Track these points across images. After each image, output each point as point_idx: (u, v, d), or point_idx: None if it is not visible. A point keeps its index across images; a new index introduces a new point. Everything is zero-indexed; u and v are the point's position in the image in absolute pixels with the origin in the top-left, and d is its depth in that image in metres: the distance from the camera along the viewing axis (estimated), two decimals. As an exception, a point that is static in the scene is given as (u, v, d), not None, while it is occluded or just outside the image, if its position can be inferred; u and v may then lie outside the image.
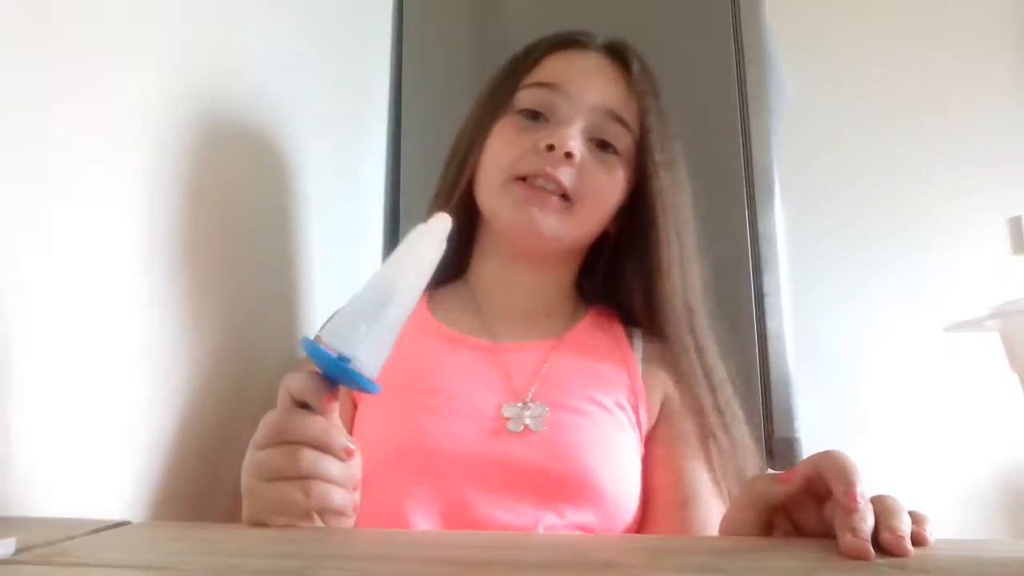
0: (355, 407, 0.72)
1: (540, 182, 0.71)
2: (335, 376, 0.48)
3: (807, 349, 1.22)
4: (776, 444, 0.97)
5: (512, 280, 0.78)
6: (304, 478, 0.46)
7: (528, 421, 0.66)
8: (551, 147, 0.70)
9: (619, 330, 0.79)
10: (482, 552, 0.38)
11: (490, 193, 0.74)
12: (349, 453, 0.48)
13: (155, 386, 0.61)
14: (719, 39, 1.19)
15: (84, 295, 0.53)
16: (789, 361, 1.13)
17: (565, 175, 0.71)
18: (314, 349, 0.47)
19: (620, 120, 0.74)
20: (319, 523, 0.48)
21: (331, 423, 0.48)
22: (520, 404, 0.68)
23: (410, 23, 1.31)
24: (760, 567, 0.35)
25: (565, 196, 0.71)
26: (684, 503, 0.66)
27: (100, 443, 0.54)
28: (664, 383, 0.74)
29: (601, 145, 0.74)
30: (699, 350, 0.73)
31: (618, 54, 0.78)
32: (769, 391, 1.01)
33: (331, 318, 0.59)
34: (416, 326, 0.75)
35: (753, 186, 1.15)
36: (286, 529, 0.45)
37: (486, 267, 0.80)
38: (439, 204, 0.78)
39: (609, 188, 0.74)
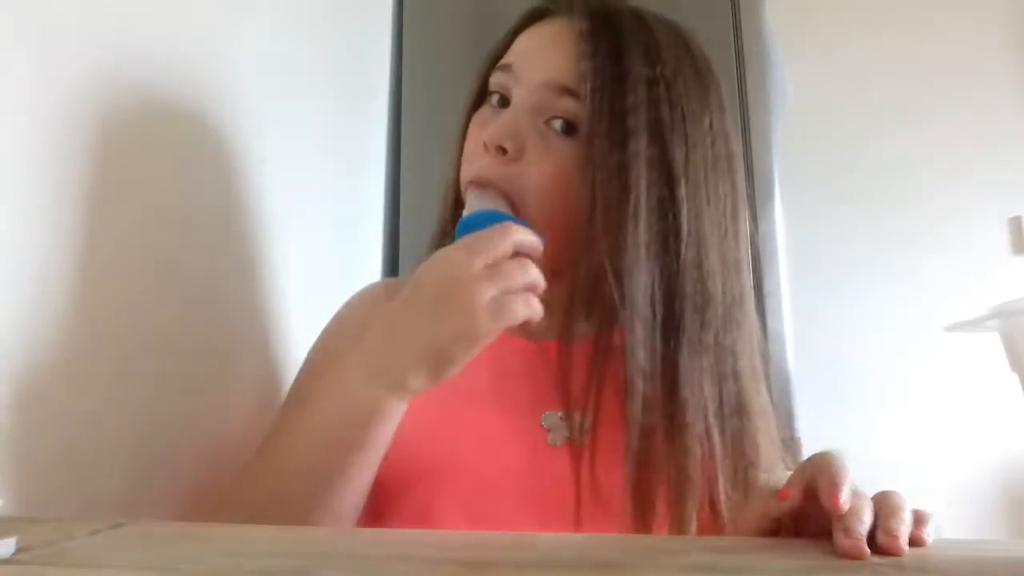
0: None
1: None
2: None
3: (807, 349, 1.23)
4: (776, 444, 0.97)
5: None
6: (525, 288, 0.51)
7: (569, 433, 0.62)
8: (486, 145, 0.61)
9: None
10: (484, 552, 0.38)
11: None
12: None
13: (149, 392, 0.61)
14: (719, 39, 1.20)
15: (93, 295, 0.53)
16: (789, 361, 1.13)
17: (505, 176, 0.61)
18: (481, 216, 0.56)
19: (570, 92, 0.62)
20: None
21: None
22: (560, 414, 0.64)
23: (410, 23, 1.32)
24: (760, 567, 0.35)
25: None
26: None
27: (99, 443, 0.54)
28: None
29: (568, 128, 0.62)
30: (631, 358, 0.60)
31: (583, 17, 0.64)
32: (769, 391, 1.01)
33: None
34: None
35: (753, 186, 1.15)
36: (286, 529, 0.45)
37: None
38: (444, 207, 0.71)
39: (556, 182, 0.61)
